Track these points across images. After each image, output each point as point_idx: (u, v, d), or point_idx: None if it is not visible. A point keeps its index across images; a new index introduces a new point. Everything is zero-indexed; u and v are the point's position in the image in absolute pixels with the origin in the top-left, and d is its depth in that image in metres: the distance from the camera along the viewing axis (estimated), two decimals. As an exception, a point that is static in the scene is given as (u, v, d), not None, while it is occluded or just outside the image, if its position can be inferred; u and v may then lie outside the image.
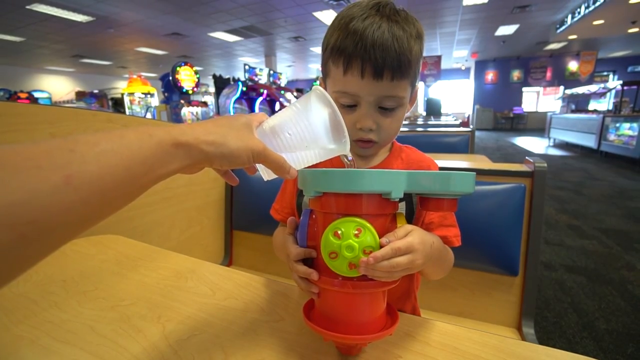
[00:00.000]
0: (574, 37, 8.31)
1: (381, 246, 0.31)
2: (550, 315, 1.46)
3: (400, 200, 0.47)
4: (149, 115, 6.51)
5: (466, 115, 12.73)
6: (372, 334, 0.33)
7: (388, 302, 0.37)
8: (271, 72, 7.60)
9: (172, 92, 5.72)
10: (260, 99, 6.31)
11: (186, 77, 5.57)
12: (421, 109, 8.70)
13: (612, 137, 5.45)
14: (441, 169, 0.85)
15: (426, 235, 0.36)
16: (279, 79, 7.84)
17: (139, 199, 0.90)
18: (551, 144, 7.91)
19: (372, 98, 0.43)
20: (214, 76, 6.69)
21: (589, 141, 6.04)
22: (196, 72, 5.71)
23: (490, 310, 0.82)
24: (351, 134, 0.46)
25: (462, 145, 2.04)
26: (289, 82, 9.23)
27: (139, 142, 0.25)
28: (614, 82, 7.04)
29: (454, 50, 10.38)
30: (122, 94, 8.76)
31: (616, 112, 5.96)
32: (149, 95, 8.83)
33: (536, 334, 0.78)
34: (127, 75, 10.73)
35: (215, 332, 0.39)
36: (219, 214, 1.13)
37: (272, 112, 6.20)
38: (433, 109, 6.72)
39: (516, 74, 12.24)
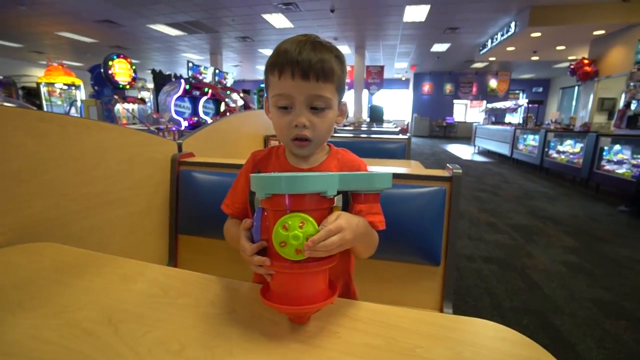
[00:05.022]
0: (493, 58, 9.58)
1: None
2: (470, 299, 1.69)
3: (338, 194, 0.56)
4: (73, 111, 5.79)
5: (406, 123, 13.77)
6: (317, 303, 0.40)
7: (329, 279, 0.45)
8: (217, 71, 7.33)
9: (104, 85, 5.18)
10: (205, 98, 6.06)
11: (121, 70, 5.10)
12: (365, 116, 9.17)
13: (521, 146, 6.41)
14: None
15: (351, 217, 0.45)
16: (225, 78, 7.60)
17: (77, 202, 0.85)
18: (476, 151, 8.97)
19: (303, 97, 0.52)
20: (153, 71, 6.23)
21: (505, 149, 7.02)
22: (133, 66, 5.26)
23: (418, 297, 0.95)
24: (288, 134, 0.55)
25: (399, 151, 2.24)
26: (235, 82, 8.97)
27: None
28: (523, 100, 8.29)
29: (395, 61, 11.17)
30: (38, 84, 7.63)
31: (524, 125, 7.02)
32: (73, 87, 7.84)
33: (453, 299, 0.92)
34: (44, 62, 9.35)
35: (170, 327, 0.42)
36: (163, 218, 1.10)
37: (217, 112, 5.99)
38: (376, 115, 7.15)
39: (448, 87, 13.62)
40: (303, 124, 0.53)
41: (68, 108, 6.04)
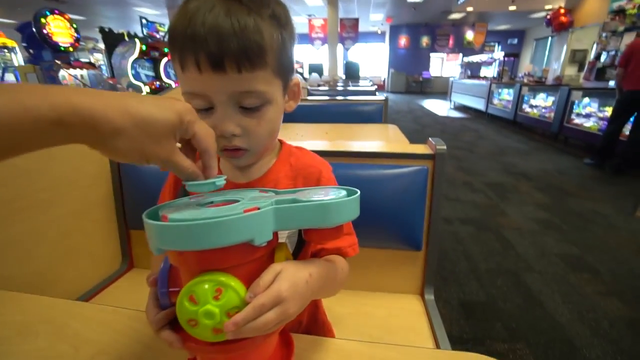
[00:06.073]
0: (471, 9, 9.19)
1: (246, 303, 0.26)
2: (447, 264, 1.71)
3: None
4: (10, 78, 5.07)
5: (382, 79, 13.43)
6: None
7: (283, 330, 0.34)
8: (175, 27, 6.57)
9: (41, 48, 4.48)
10: (166, 59, 5.46)
11: (58, 29, 4.39)
12: (341, 73, 8.78)
13: (495, 101, 6.41)
14: (349, 153, 0.84)
15: (298, 272, 0.31)
16: (186, 35, 6.85)
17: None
18: (452, 106, 8.95)
19: (224, 97, 0.35)
20: (102, 30, 5.48)
21: (480, 104, 7.01)
22: (72, 23, 4.56)
23: (398, 283, 0.89)
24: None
25: (376, 114, 2.12)
26: (199, 40, 8.15)
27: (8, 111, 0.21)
28: (499, 53, 8.15)
29: (370, 13, 10.51)
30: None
31: (499, 79, 6.97)
32: (5, 51, 6.84)
33: (435, 283, 0.88)
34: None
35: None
36: (108, 215, 0.95)
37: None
38: (352, 72, 6.83)
39: (425, 40, 13.16)
40: (231, 132, 0.36)
41: (1, 74, 5.27)
